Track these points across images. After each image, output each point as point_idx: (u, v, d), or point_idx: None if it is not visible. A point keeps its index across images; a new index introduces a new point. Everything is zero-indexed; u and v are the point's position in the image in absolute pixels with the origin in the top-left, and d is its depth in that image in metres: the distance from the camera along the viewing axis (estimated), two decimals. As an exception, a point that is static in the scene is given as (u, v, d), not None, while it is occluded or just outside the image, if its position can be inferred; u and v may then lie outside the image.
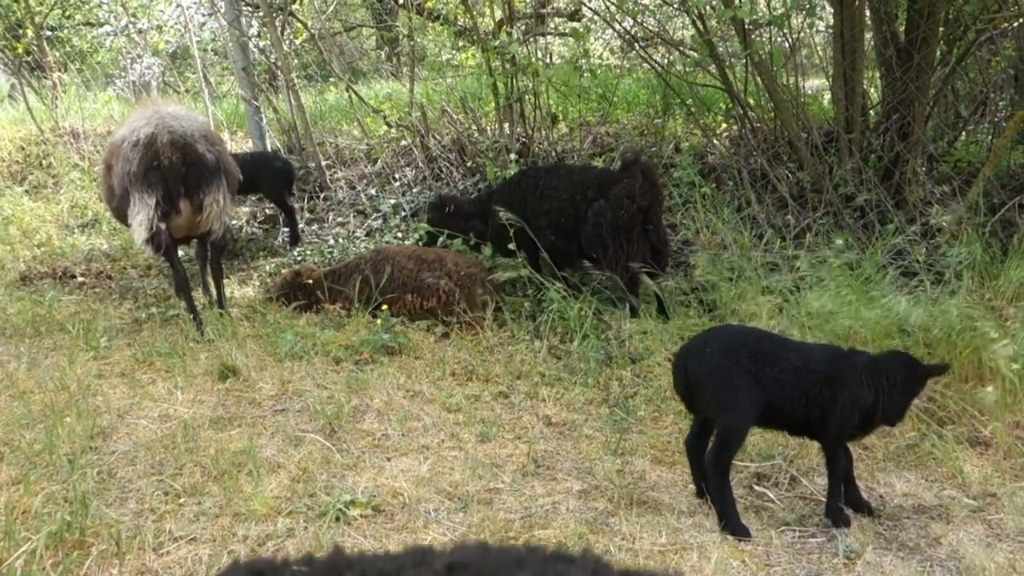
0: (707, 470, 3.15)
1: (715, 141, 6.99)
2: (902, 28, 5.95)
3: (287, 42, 8.39)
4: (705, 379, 3.15)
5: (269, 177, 6.96)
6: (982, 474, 3.47)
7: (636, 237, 5.12)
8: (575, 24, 8.69)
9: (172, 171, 4.90)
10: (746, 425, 3.12)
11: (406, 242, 6.59)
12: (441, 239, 5.98)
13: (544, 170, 5.81)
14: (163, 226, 4.95)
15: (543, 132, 7.40)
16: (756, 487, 3.46)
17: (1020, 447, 3.62)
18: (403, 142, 7.91)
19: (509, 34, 7.32)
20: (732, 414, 3.08)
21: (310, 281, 5.64)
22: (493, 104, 7.49)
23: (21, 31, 9.70)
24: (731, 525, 3.06)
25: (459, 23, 8.86)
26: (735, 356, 3.11)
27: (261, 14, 8.01)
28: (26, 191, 8.30)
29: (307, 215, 7.50)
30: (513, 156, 6.92)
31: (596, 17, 8.12)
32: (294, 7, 8.49)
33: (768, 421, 3.24)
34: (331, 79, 9.29)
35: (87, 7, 11.46)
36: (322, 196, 7.67)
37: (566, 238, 5.40)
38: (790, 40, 6.73)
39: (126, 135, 5.02)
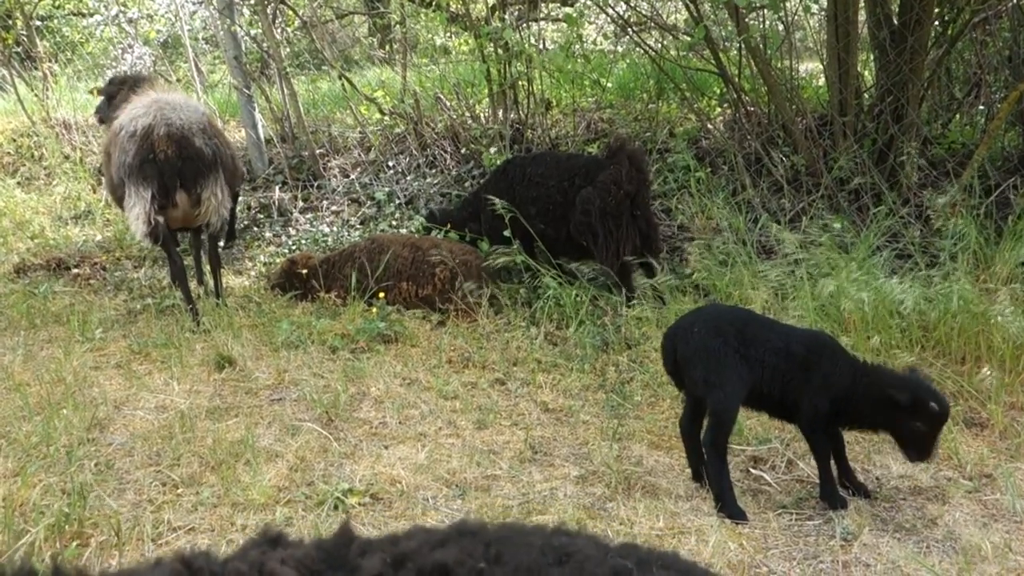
0: (705, 452, 3.16)
1: (709, 125, 6.98)
2: (896, 9, 5.92)
3: (279, 30, 8.34)
4: (693, 358, 3.16)
5: None
6: (978, 455, 3.48)
7: (625, 223, 5.13)
8: (568, 9, 8.64)
9: (168, 165, 4.88)
10: (736, 403, 3.13)
11: (401, 230, 6.58)
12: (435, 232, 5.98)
13: (530, 158, 5.81)
14: (160, 219, 4.94)
15: (537, 118, 7.39)
16: (753, 470, 3.47)
17: (1016, 428, 3.64)
18: (397, 130, 7.88)
19: (502, 20, 7.29)
20: (722, 392, 3.09)
21: (305, 270, 5.63)
22: (486, 90, 7.47)
23: (11, 21, 9.62)
24: (728, 508, 3.07)
25: (451, 9, 8.81)
26: (723, 335, 3.12)
27: (252, 2, 7.96)
28: (18, 183, 8.26)
29: (301, 204, 7.48)
30: (500, 145, 6.90)
31: (589, 2, 8.08)
32: (285, -5, 8.43)
33: (751, 402, 3.25)
34: (323, 67, 9.24)
35: (77, -4, 11.38)
36: (316, 184, 7.65)
37: (555, 225, 5.40)
38: (784, 23, 6.71)
39: (125, 123, 4.99)
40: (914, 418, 2.95)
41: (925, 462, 3.07)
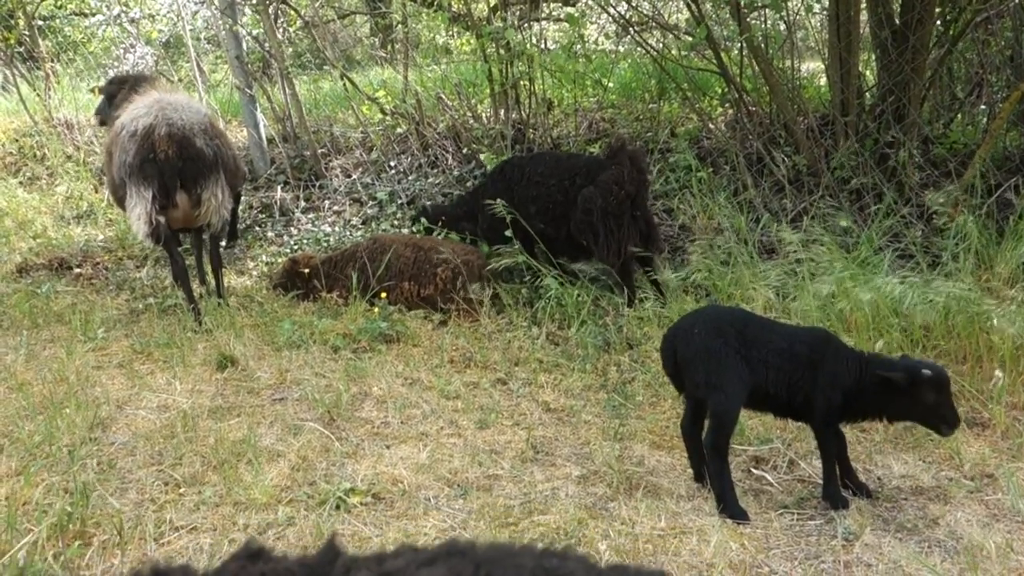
0: (706, 453, 3.16)
1: (711, 125, 6.98)
2: (897, 9, 5.92)
3: (281, 30, 8.34)
4: (694, 359, 3.16)
5: None
6: (980, 455, 3.48)
7: (626, 223, 5.14)
8: (570, 9, 8.64)
9: (168, 165, 4.88)
10: (737, 404, 3.13)
11: (403, 230, 6.58)
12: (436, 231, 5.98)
13: (528, 158, 5.81)
14: (162, 219, 4.94)
15: (539, 118, 7.39)
16: (754, 470, 3.47)
17: (1018, 428, 3.64)
18: (398, 129, 7.88)
19: (504, 20, 7.29)
20: (723, 393, 3.10)
21: (307, 270, 5.63)
22: (488, 90, 7.47)
23: (13, 21, 9.63)
24: (730, 508, 3.07)
25: (453, 9, 8.81)
26: (723, 336, 3.12)
27: (254, 2, 7.96)
28: (20, 183, 8.27)
29: (303, 204, 7.49)
30: (502, 144, 6.90)
31: (591, 2, 8.08)
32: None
33: (754, 403, 3.25)
34: (325, 67, 9.24)
35: (79, -4, 11.38)
36: (318, 184, 7.65)
37: (555, 224, 5.40)
38: (786, 22, 6.70)
39: (126, 123, 4.99)
40: (920, 393, 2.97)
41: (957, 427, 3.06)
